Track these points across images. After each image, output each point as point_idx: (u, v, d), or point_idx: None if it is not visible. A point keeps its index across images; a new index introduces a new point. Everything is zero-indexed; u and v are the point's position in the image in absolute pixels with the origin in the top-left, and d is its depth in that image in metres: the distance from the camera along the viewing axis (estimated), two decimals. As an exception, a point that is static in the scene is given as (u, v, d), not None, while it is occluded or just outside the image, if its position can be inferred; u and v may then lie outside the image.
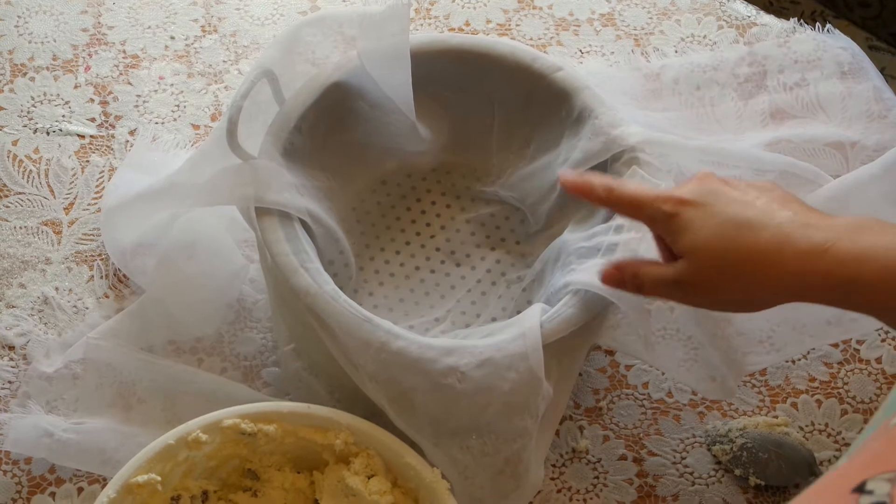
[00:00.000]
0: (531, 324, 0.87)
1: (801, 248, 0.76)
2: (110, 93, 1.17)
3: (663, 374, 1.03)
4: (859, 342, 1.06)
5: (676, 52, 1.22)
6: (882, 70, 1.60)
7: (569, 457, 0.99)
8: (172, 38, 1.21)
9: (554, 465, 0.99)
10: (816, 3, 2.08)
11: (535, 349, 0.85)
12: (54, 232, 1.08)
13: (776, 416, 1.02)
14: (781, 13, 1.27)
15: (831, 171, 1.11)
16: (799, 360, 1.05)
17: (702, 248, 0.79)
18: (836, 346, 1.06)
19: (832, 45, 1.21)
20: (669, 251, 0.83)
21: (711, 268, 0.79)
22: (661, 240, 0.85)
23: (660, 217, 0.81)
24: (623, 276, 0.85)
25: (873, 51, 2.02)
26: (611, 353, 1.04)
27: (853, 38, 1.24)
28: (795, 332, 1.01)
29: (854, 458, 0.55)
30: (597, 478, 0.99)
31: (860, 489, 0.49)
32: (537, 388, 0.86)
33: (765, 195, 0.81)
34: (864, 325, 1.00)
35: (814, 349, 1.06)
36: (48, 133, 1.14)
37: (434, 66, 1.02)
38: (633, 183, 0.87)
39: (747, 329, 1.00)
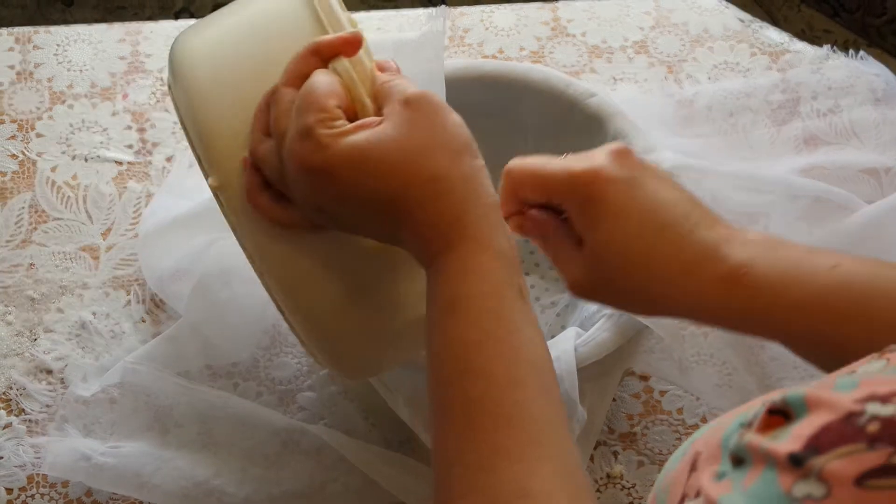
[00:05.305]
0: (566, 347, 0.87)
1: (718, 273, 0.73)
2: (147, 120, 1.18)
3: (698, 399, 1.03)
4: (895, 368, 1.06)
5: (709, 79, 1.22)
6: (915, 98, 1.58)
7: (603, 482, 0.99)
8: (209, 66, 1.22)
9: (588, 491, 0.99)
10: (849, 32, 2.09)
11: (570, 373, 0.86)
12: (92, 257, 1.09)
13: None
14: (814, 42, 1.27)
15: (865, 196, 1.11)
16: (834, 385, 1.05)
17: (616, 251, 0.75)
18: (871, 371, 1.06)
19: (865, 72, 1.21)
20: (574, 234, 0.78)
21: (617, 277, 0.76)
22: (566, 222, 0.79)
23: (580, 199, 0.76)
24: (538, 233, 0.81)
25: (906, 79, 2.03)
26: (645, 378, 1.04)
27: (886, 67, 1.24)
28: (830, 357, 1.01)
29: None
30: (631, 503, 0.99)
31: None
32: (572, 412, 0.86)
33: (679, 192, 0.77)
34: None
35: (849, 375, 1.05)
36: (86, 160, 1.15)
37: (468, 92, 1.03)
38: (537, 158, 0.80)
39: (781, 354, 1.00)
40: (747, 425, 0.51)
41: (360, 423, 0.99)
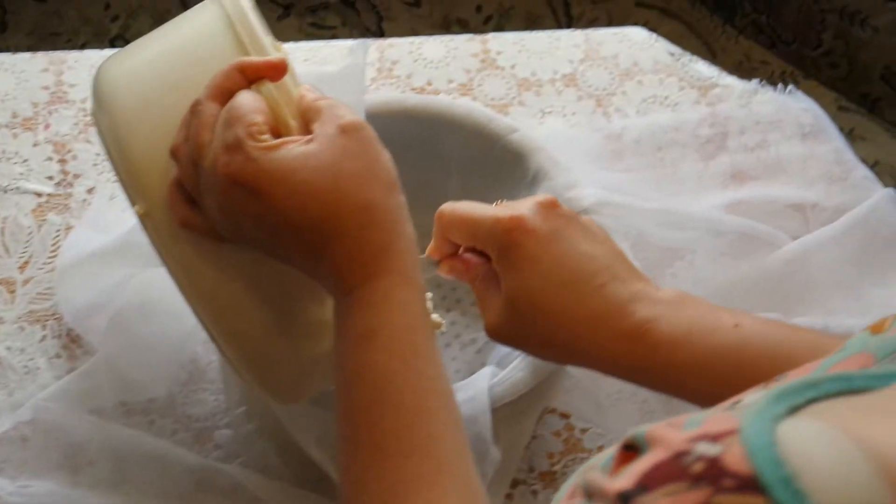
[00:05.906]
0: (480, 387, 0.86)
1: (622, 328, 0.75)
2: (69, 151, 1.16)
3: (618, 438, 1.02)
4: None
5: (638, 112, 1.22)
6: (851, 131, 1.60)
7: (523, 522, 0.98)
8: (133, 96, 1.21)
9: (508, 530, 0.98)
10: (786, 63, 2.10)
11: (483, 413, 0.85)
12: (8, 291, 1.07)
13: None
14: (752, 73, 1.27)
15: (791, 232, 1.11)
16: (757, 423, 1.04)
17: (527, 299, 0.77)
18: (794, 409, 1.05)
19: (793, 107, 1.21)
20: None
21: (527, 324, 0.78)
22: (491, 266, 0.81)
23: (500, 244, 0.78)
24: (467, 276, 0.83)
25: (842, 111, 2.03)
26: (566, 416, 1.03)
27: (822, 99, 1.24)
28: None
29: None
30: (551, 543, 0.98)
31: None
32: (484, 454, 0.85)
33: (602, 247, 0.79)
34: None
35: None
36: (5, 191, 1.13)
37: (391, 126, 1.01)
38: (467, 203, 0.82)
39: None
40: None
41: (275, 462, 0.97)
